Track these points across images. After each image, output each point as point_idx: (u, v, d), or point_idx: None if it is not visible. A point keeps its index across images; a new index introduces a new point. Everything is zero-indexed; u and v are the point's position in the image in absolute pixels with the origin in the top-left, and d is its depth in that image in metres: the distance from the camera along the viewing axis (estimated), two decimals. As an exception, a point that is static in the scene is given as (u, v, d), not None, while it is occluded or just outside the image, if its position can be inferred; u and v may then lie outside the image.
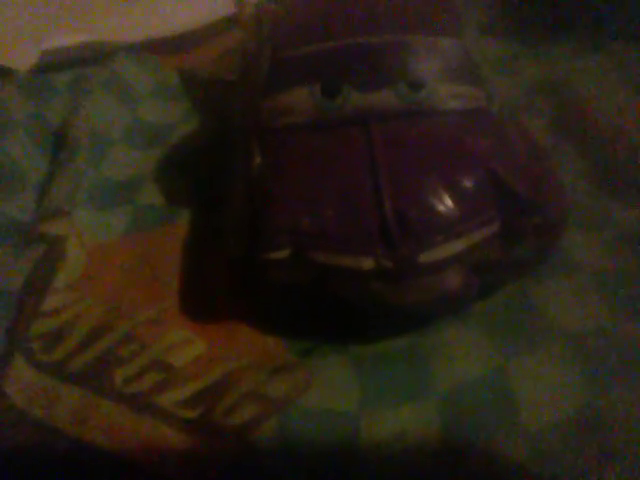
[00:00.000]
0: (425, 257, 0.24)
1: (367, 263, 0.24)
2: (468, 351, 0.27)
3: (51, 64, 0.43)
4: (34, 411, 0.26)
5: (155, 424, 0.25)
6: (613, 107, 0.37)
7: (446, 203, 0.25)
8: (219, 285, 0.30)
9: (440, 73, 0.27)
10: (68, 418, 0.26)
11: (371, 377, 0.26)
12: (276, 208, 0.26)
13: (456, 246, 0.25)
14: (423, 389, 0.25)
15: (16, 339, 0.28)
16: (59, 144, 0.37)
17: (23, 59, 0.43)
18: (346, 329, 0.27)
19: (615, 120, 0.36)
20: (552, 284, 0.28)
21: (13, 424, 0.25)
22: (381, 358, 0.27)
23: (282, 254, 0.25)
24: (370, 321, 0.27)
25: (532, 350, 0.26)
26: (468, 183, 0.25)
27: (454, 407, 0.25)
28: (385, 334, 0.27)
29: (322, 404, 0.25)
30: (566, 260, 0.29)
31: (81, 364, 0.28)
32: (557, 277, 0.29)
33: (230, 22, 0.45)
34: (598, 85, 0.39)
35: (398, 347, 0.27)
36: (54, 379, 0.27)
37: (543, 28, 0.44)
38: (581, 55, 0.42)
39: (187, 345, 0.28)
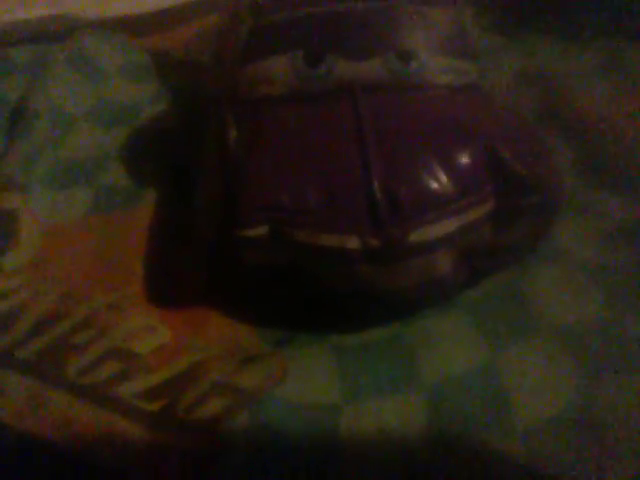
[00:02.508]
0: (415, 236, 0.22)
1: (352, 242, 0.22)
2: (455, 343, 0.25)
3: (11, 38, 0.40)
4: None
5: (113, 417, 0.23)
6: (598, 98, 0.37)
7: (439, 179, 0.23)
8: (186, 270, 0.28)
9: (430, 44, 0.26)
10: (14, 411, 0.23)
11: (353, 368, 0.24)
12: (253, 182, 0.24)
13: (448, 225, 0.23)
14: (408, 381, 0.24)
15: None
16: (16, 119, 0.34)
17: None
18: (326, 317, 0.25)
19: (601, 110, 0.35)
20: (542, 275, 0.27)
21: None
22: (363, 348, 0.25)
23: (260, 232, 0.23)
24: (353, 308, 0.25)
25: (522, 343, 0.25)
26: (462, 159, 0.23)
27: (440, 400, 0.23)
28: (368, 322, 0.25)
29: (299, 395, 0.23)
30: (555, 251, 0.28)
31: (30, 352, 0.25)
32: (546, 268, 0.27)
33: (208, 3, 0.43)
34: (582, 77, 0.39)
35: (382, 337, 0.25)
36: (-1, 369, 0.24)
37: (527, 21, 0.44)
38: (564, 48, 0.41)
39: (150, 333, 0.26)
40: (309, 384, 0.24)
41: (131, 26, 0.42)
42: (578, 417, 0.22)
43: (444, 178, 0.23)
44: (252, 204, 0.23)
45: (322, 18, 0.26)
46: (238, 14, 0.29)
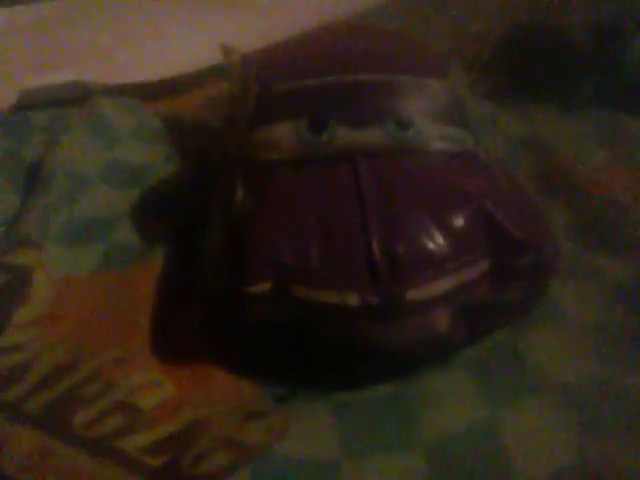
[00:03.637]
0: (413, 294, 0.23)
1: (352, 299, 0.23)
2: (455, 400, 0.25)
3: (31, 103, 0.42)
4: (-19, 456, 0.23)
5: (116, 471, 0.23)
6: (593, 164, 0.38)
7: (435, 239, 0.24)
8: (191, 326, 0.29)
9: (428, 114, 0.27)
10: (18, 464, 0.23)
11: (353, 425, 0.24)
12: (258, 240, 0.25)
13: (445, 284, 0.24)
14: (408, 438, 0.24)
15: (-32, 375, 0.26)
16: (32, 179, 0.36)
17: (3, 98, 0.42)
18: (327, 373, 0.26)
19: (597, 176, 0.37)
20: (540, 334, 0.28)
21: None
22: (364, 405, 0.25)
23: (263, 287, 0.24)
24: (353, 365, 0.25)
25: (521, 400, 0.25)
26: (457, 221, 0.24)
27: (441, 458, 0.23)
28: (369, 380, 0.26)
29: (300, 452, 0.23)
30: (554, 310, 0.28)
31: (37, 405, 0.25)
32: (545, 327, 0.28)
33: (216, 71, 0.45)
34: (578, 144, 0.40)
35: (382, 394, 0.25)
36: (7, 420, 0.25)
37: (523, 90, 0.45)
38: (560, 116, 0.43)
39: (155, 387, 0.26)
40: (310, 440, 0.24)
41: (144, 92, 0.44)
42: (579, 475, 0.22)
43: (440, 238, 0.24)
44: (256, 261, 0.24)
45: (325, 88, 0.28)
46: (245, 84, 0.31)
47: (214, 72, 0.46)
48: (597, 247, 0.32)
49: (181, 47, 0.48)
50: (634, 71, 0.43)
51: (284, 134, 0.27)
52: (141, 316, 0.29)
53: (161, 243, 0.33)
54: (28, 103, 0.42)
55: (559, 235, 0.32)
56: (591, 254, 0.32)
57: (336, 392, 0.26)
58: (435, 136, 0.27)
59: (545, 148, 0.40)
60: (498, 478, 0.22)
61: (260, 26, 0.48)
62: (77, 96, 0.42)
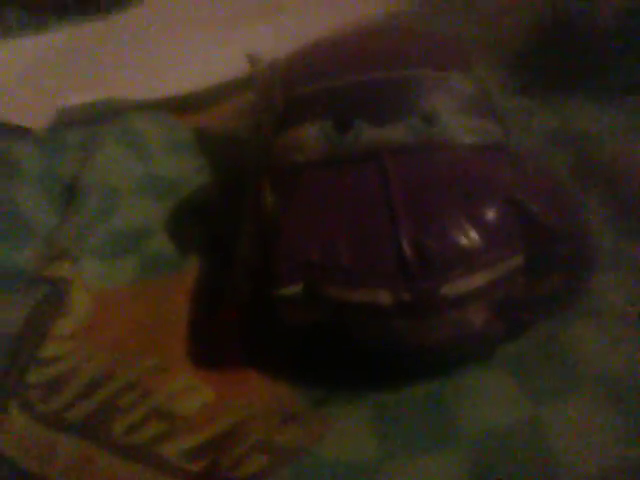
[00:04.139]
0: (446, 290, 0.23)
1: (384, 297, 0.23)
2: (495, 398, 0.25)
3: (66, 121, 0.43)
4: (27, 463, 0.24)
5: (157, 476, 0.23)
6: (631, 153, 0.37)
7: (467, 233, 0.24)
8: (227, 332, 0.29)
9: (453, 107, 0.27)
10: (63, 471, 0.24)
11: (391, 425, 0.24)
12: (288, 242, 0.25)
13: (479, 279, 0.23)
14: (448, 438, 0.23)
15: (11, 386, 0.26)
16: (70, 196, 0.37)
17: (41, 118, 0.43)
18: (364, 374, 0.25)
19: (632, 166, 0.36)
20: (582, 327, 0.27)
21: (4, 477, 0.23)
22: (402, 405, 0.25)
23: (295, 289, 0.24)
24: (389, 364, 0.25)
25: (564, 396, 0.24)
26: (489, 213, 0.24)
27: (483, 457, 0.23)
28: (405, 379, 0.25)
29: (338, 454, 0.23)
30: (593, 304, 0.28)
31: (80, 414, 0.26)
32: (585, 321, 0.27)
33: (244, 82, 0.45)
34: (614, 136, 0.39)
35: (420, 393, 0.25)
36: (50, 430, 0.25)
37: (556, 83, 0.45)
38: (595, 109, 0.42)
39: (193, 393, 0.26)
40: (348, 442, 0.24)
41: (173, 106, 0.45)
42: (627, 472, 0.21)
43: (472, 232, 0.24)
44: (287, 263, 0.24)
45: (349, 88, 0.28)
46: (272, 89, 0.31)
47: (242, 83, 0.46)
48: (637, 239, 0.31)
49: (208, 60, 0.48)
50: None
51: (310, 136, 0.27)
52: (177, 324, 0.30)
53: (195, 253, 0.34)
54: (63, 122, 0.43)
55: (599, 227, 0.31)
56: (633, 245, 0.31)
57: (373, 393, 0.25)
58: (462, 129, 0.27)
59: (581, 140, 0.39)
60: (542, 476, 0.22)
61: (285, 38, 0.48)
62: (109, 113, 0.43)
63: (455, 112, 0.27)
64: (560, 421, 0.23)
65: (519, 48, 0.49)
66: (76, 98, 0.43)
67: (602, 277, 0.28)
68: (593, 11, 0.46)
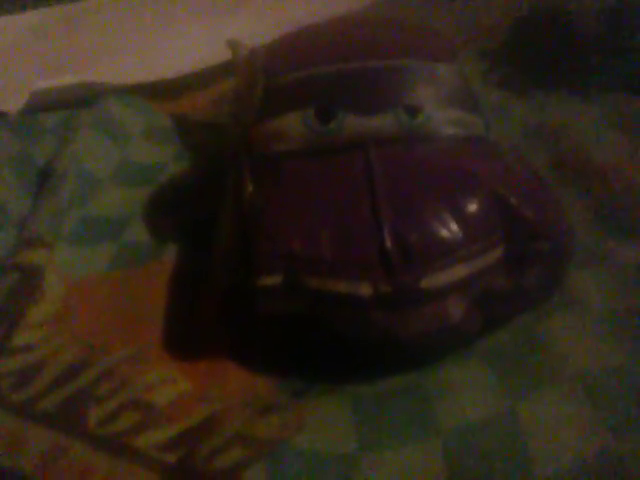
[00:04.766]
0: (426, 282, 0.23)
1: (365, 289, 0.23)
2: (473, 391, 0.25)
3: (41, 105, 0.42)
4: (-4, 454, 0.23)
5: (131, 468, 0.23)
6: (608, 149, 0.37)
7: (448, 226, 0.24)
8: (205, 323, 0.28)
9: (437, 99, 0.27)
10: (34, 462, 0.23)
11: (370, 417, 0.24)
12: (268, 232, 0.24)
13: (459, 271, 0.23)
14: (426, 430, 0.23)
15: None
16: (44, 180, 0.36)
17: (15, 101, 0.42)
18: (342, 366, 0.25)
19: (609, 161, 0.36)
20: (558, 322, 0.27)
21: (-28, 469, 0.23)
22: (380, 397, 0.25)
23: (275, 279, 0.24)
24: (368, 356, 0.25)
25: (541, 390, 0.24)
26: (471, 206, 0.24)
27: (460, 449, 0.23)
28: (384, 371, 0.25)
29: (316, 446, 0.23)
30: (571, 297, 0.28)
31: (52, 404, 0.25)
32: (563, 314, 0.27)
33: (224, 69, 0.45)
34: (591, 129, 0.39)
35: (398, 386, 0.25)
36: (21, 420, 0.25)
37: (535, 78, 0.45)
38: (572, 102, 0.42)
39: (170, 384, 0.26)
40: (326, 434, 0.24)
41: (152, 92, 0.44)
42: (600, 466, 0.22)
43: (453, 225, 0.24)
44: (268, 252, 0.24)
45: (332, 76, 0.27)
46: (253, 76, 0.31)
47: (221, 70, 0.45)
48: (614, 234, 0.31)
49: (187, 46, 0.48)
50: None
51: (292, 125, 0.27)
52: (154, 313, 0.29)
53: (172, 241, 0.33)
54: (38, 105, 0.42)
55: (575, 221, 0.31)
56: (608, 241, 0.31)
57: (352, 385, 0.25)
58: (445, 121, 0.27)
59: (560, 135, 0.39)
60: (517, 468, 0.22)
61: (266, 24, 0.48)
62: (86, 97, 0.42)
63: (439, 104, 0.27)
64: (536, 415, 0.23)
65: (500, 42, 0.49)
66: (51, 81, 0.42)
67: (579, 272, 0.29)
68: (576, 9, 0.46)
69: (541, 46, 0.47)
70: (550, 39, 0.47)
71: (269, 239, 0.24)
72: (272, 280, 0.24)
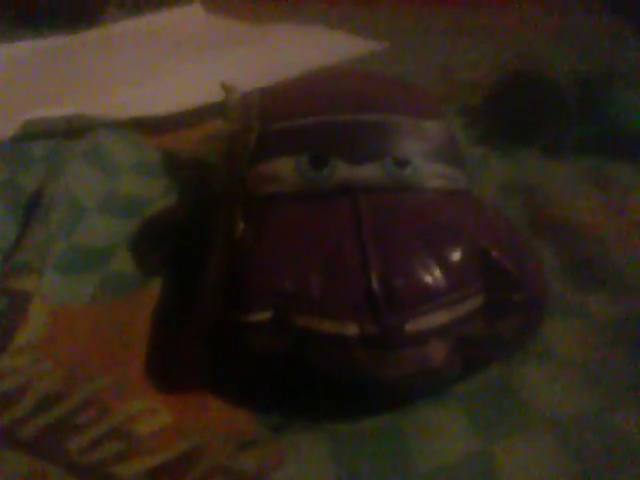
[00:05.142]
0: (411, 326, 0.24)
1: (350, 329, 0.24)
2: (449, 433, 0.25)
3: (32, 134, 0.43)
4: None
5: (111, 498, 0.23)
6: (582, 205, 0.39)
7: (432, 274, 0.25)
8: (188, 355, 0.29)
9: (425, 153, 0.28)
10: (12, 488, 0.23)
11: (348, 455, 0.25)
12: (259, 269, 0.25)
13: (441, 317, 0.24)
14: (402, 470, 0.24)
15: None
16: (32, 208, 0.36)
17: (5, 130, 0.43)
18: (324, 404, 0.26)
19: (584, 218, 0.38)
20: (532, 370, 0.28)
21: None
22: (359, 436, 0.25)
23: (263, 316, 0.24)
24: (349, 395, 0.26)
25: (515, 435, 0.25)
26: (454, 256, 0.25)
27: None
28: (364, 411, 0.26)
29: None
30: (545, 348, 0.29)
31: (32, 431, 0.25)
32: (536, 364, 0.28)
33: (216, 108, 0.46)
34: (566, 186, 0.41)
35: (377, 425, 0.26)
36: (0, 446, 0.24)
37: (512, 135, 0.47)
38: (548, 161, 0.45)
39: (151, 415, 0.26)
40: (305, 469, 0.24)
41: (144, 127, 0.45)
42: None
43: (437, 273, 0.25)
44: (257, 290, 0.25)
45: (325, 126, 0.29)
46: (247, 121, 0.32)
47: (213, 110, 0.47)
48: (586, 286, 0.33)
49: (181, 84, 0.49)
50: (620, 121, 0.45)
51: (285, 169, 0.28)
52: (137, 344, 0.29)
53: (158, 273, 0.34)
54: (29, 134, 0.43)
55: (550, 274, 0.33)
56: (580, 293, 0.33)
57: (332, 423, 0.26)
58: (431, 174, 0.28)
59: (534, 191, 0.41)
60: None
61: (259, 66, 0.50)
62: (77, 129, 0.42)
63: (426, 158, 0.28)
64: (510, 459, 0.24)
65: (481, 99, 0.52)
66: (43, 112, 0.43)
67: (553, 323, 0.30)
68: (555, 74, 0.49)
69: (517, 105, 0.49)
70: (525, 99, 0.50)
71: (259, 276, 0.25)
72: (260, 317, 0.25)
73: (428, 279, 0.24)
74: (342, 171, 0.28)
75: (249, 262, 0.26)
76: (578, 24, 0.70)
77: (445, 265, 0.25)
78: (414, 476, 0.24)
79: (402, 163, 0.28)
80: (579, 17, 0.72)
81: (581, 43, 0.59)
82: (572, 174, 0.42)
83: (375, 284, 0.24)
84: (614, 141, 0.44)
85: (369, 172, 0.28)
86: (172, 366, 0.28)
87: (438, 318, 0.24)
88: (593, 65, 0.49)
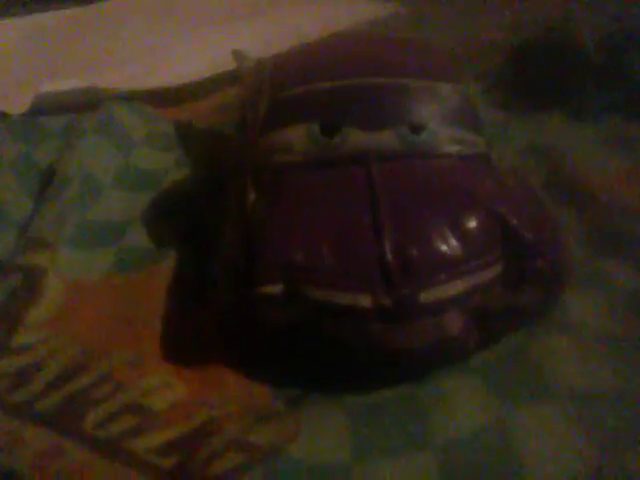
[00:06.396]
0: (426, 296, 0.23)
1: (365, 301, 0.23)
2: (467, 403, 0.25)
3: (45, 108, 0.42)
4: (-7, 454, 0.23)
5: (127, 471, 0.23)
6: (604, 170, 0.38)
7: (448, 242, 0.24)
8: (203, 328, 0.29)
9: (441, 117, 0.28)
10: (31, 461, 0.23)
11: (365, 427, 0.24)
12: (270, 242, 0.25)
13: (458, 286, 0.24)
14: (420, 440, 0.24)
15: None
16: (46, 183, 0.36)
17: (19, 103, 0.43)
18: (339, 376, 0.26)
19: (605, 182, 0.37)
20: (552, 341, 0.27)
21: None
22: (376, 407, 0.25)
23: (276, 289, 0.24)
24: (365, 367, 0.25)
25: (532, 405, 0.25)
26: (471, 223, 0.24)
27: (453, 460, 0.23)
28: (381, 382, 0.26)
29: (312, 454, 0.23)
30: (566, 318, 0.28)
31: (49, 405, 0.25)
32: (557, 334, 0.28)
33: (229, 78, 0.45)
34: (586, 152, 0.40)
35: (394, 397, 0.25)
36: (18, 420, 0.25)
37: (533, 99, 0.46)
38: (569, 125, 0.43)
39: (166, 389, 0.26)
40: (321, 443, 0.24)
41: (157, 99, 0.45)
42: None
43: (453, 241, 0.24)
44: (269, 262, 0.24)
45: (337, 92, 0.28)
46: (259, 88, 0.31)
47: (226, 79, 0.46)
48: (609, 255, 0.32)
49: (193, 54, 0.48)
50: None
51: (296, 137, 0.28)
52: (153, 318, 0.29)
53: (173, 246, 0.34)
54: (42, 108, 0.43)
55: (571, 242, 0.32)
56: (603, 262, 0.32)
57: (348, 395, 0.25)
58: (447, 139, 0.27)
59: (556, 156, 0.40)
60: (509, 480, 0.22)
61: (272, 34, 0.49)
62: (90, 102, 0.42)
63: (442, 122, 0.27)
64: (527, 428, 0.24)
65: (500, 63, 0.50)
66: (55, 84, 0.43)
67: (574, 292, 0.29)
68: (576, 34, 0.47)
69: (540, 68, 0.48)
70: (549, 62, 0.48)
71: (271, 248, 0.25)
72: (272, 289, 0.24)
73: (443, 248, 0.24)
74: (355, 138, 0.27)
75: (260, 235, 0.25)
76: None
77: (461, 233, 0.24)
78: (431, 448, 0.23)
79: (417, 128, 0.27)
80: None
81: (607, 5, 0.57)
82: (596, 138, 0.41)
83: (389, 254, 0.23)
84: (639, 103, 0.42)
85: (383, 139, 0.27)
86: (187, 340, 0.28)
87: (454, 288, 0.24)
88: (617, 26, 0.47)
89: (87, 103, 0.42)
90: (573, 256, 0.30)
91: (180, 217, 0.35)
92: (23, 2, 0.56)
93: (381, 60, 0.29)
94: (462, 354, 0.26)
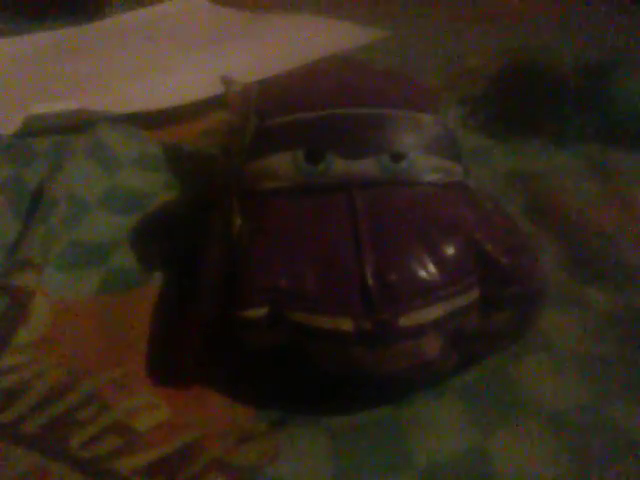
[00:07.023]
0: (405, 320, 0.24)
1: (346, 324, 0.24)
2: (446, 426, 0.26)
3: (35, 129, 0.43)
4: (-23, 474, 0.24)
5: (111, 492, 0.23)
6: (582, 196, 0.39)
7: (427, 268, 0.25)
8: (188, 350, 0.29)
9: (420, 146, 0.28)
10: (15, 483, 0.23)
11: (345, 449, 0.25)
12: (255, 266, 0.25)
13: (436, 311, 0.24)
14: (401, 463, 0.24)
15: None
16: (34, 204, 0.37)
17: (9, 124, 0.43)
18: (320, 398, 0.26)
19: (585, 209, 0.38)
20: (530, 362, 0.28)
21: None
22: (356, 430, 0.26)
23: (259, 312, 0.25)
24: (346, 390, 0.26)
25: (511, 427, 0.25)
26: (448, 250, 0.25)
27: None
28: (362, 404, 0.26)
29: (293, 475, 0.24)
30: (543, 339, 0.29)
31: (35, 426, 0.26)
32: (535, 355, 0.28)
33: (216, 101, 0.46)
34: (566, 176, 0.41)
35: (374, 420, 0.26)
36: (3, 441, 0.25)
37: (513, 125, 0.47)
38: (549, 151, 0.44)
39: (151, 409, 0.26)
40: (302, 464, 0.24)
41: (145, 121, 0.45)
42: None
43: (432, 267, 0.25)
44: (253, 286, 0.25)
45: (322, 121, 0.29)
46: (245, 114, 0.32)
47: (214, 103, 0.47)
48: (586, 278, 0.33)
49: (182, 78, 0.49)
50: (623, 108, 0.45)
51: (282, 164, 0.28)
52: (139, 339, 0.30)
53: (159, 268, 0.34)
54: (31, 129, 0.43)
55: (548, 266, 0.33)
56: (580, 285, 0.33)
57: (329, 417, 0.26)
58: (427, 167, 0.28)
59: (535, 181, 0.41)
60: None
61: (260, 59, 0.50)
62: (80, 123, 0.43)
63: (422, 151, 0.28)
64: (507, 451, 0.24)
65: (481, 89, 0.51)
66: (46, 106, 0.43)
67: (552, 315, 0.30)
68: (556, 62, 0.48)
69: (521, 94, 0.49)
70: (531, 88, 0.49)
71: (255, 272, 0.25)
72: (256, 313, 0.25)
73: (422, 273, 0.25)
74: (339, 166, 0.28)
75: (245, 258, 0.26)
76: (583, 11, 0.69)
77: (440, 259, 0.25)
78: (412, 471, 0.24)
79: (398, 157, 0.28)
80: (584, 4, 0.71)
81: (585, 31, 0.59)
82: (575, 163, 0.42)
83: (370, 279, 0.24)
84: (618, 130, 0.44)
85: (365, 167, 0.28)
86: (172, 361, 0.29)
87: (433, 312, 0.24)
88: (597, 53, 0.48)
89: (77, 125, 0.43)
90: (551, 279, 0.31)
91: (167, 239, 0.36)
92: (10, 23, 0.56)
93: (363, 90, 0.30)
94: (440, 376, 0.27)
